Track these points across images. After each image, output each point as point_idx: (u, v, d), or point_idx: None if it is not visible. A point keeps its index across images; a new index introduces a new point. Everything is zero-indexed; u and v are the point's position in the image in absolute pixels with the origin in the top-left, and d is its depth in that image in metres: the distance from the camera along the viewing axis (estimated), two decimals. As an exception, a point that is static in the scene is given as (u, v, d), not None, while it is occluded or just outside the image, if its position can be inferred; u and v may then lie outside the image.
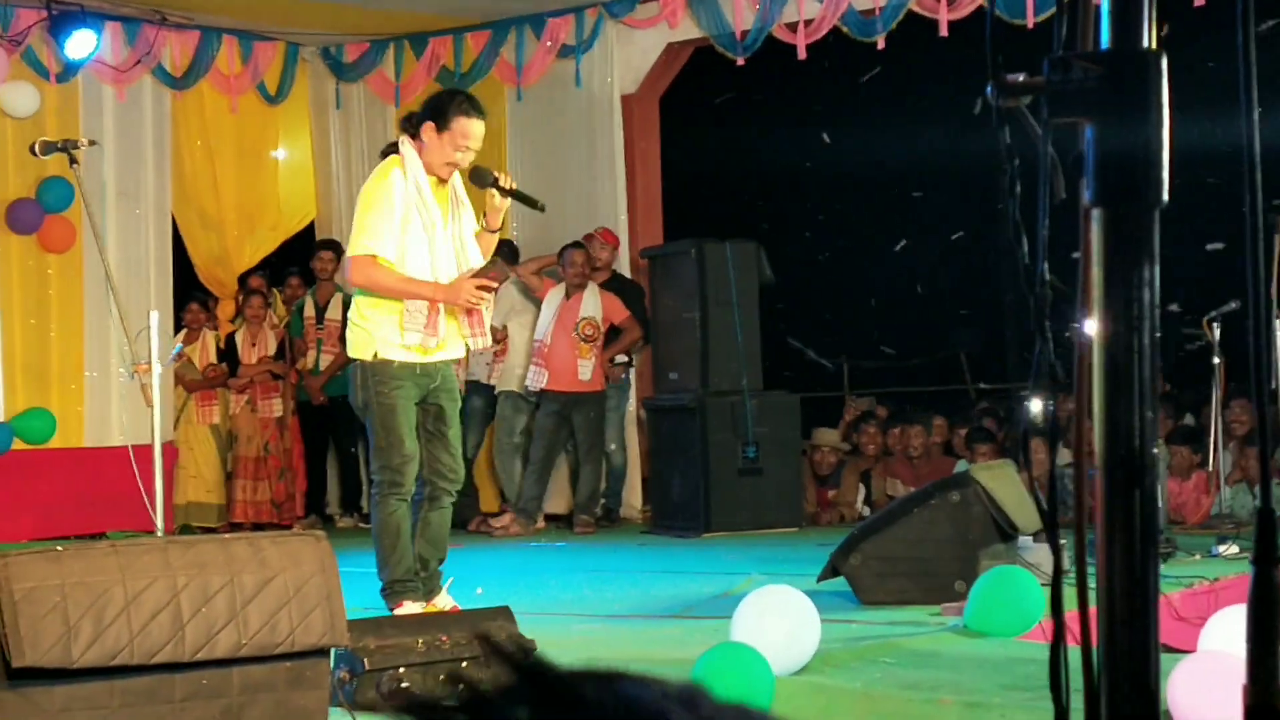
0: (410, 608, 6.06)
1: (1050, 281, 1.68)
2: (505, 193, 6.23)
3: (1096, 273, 1.61)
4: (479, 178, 6.28)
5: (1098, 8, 1.62)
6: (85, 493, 10.74)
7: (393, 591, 6.19)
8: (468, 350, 6.41)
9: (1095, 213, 1.67)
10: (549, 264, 11.09)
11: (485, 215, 6.35)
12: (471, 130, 6.14)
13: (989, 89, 1.63)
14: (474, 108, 6.21)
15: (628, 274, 11.43)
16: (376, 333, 6.14)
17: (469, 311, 6.17)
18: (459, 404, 6.42)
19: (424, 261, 6.10)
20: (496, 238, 6.43)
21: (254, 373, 11.71)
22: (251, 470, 11.72)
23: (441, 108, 6.16)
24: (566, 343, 10.70)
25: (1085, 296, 1.61)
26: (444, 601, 6.35)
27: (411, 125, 6.20)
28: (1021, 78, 1.61)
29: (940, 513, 6.54)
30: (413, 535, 6.23)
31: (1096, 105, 1.64)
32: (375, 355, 6.13)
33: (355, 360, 6.24)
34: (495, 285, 6.34)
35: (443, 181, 6.21)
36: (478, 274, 6.18)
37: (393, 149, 6.25)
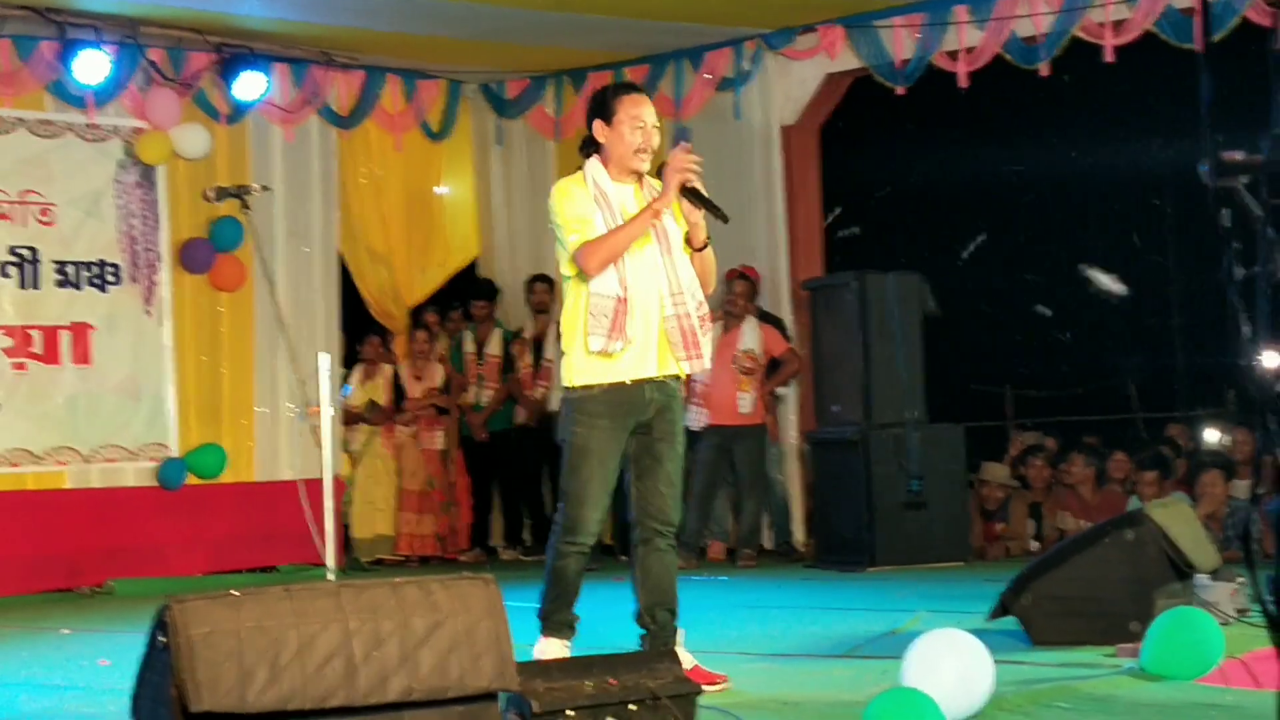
0: (545, 646, 5.74)
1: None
2: (689, 193, 5.64)
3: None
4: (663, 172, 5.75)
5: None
6: (257, 527, 10.93)
7: (542, 623, 5.81)
8: (685, 376, 5.77)
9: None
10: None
11: (687, 234, 5.73)
12: (640, 107, 5.70)
13: (1203, 167, 1.55)
14: (631, 87, 5.86)
15: (788, 307, 11.37)
16: (572, 354, 5.68)
17: (681, 331, 5.65)
18: (680, 437, 5.77)
19: (617, 269, 5.60)
20: (709, 255, 5.78)
21: (418, 406, 11.84)
22: (415, 503, 11.84)
23: (601, 101, 5.78)
24: (726, 376, 10.62)
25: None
26: (681, 660, 5.76)
27: (584, 144, 5.81)
28: (1239, 155, 1.54)
29: (1114, 551, 6.39)
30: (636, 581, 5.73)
31: (1317, 185, 1.55)
32: (571, 383, 5.67)
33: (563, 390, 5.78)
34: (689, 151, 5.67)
35: (638, 177, 5.72)
36: (676, 154, 5.61)
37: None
